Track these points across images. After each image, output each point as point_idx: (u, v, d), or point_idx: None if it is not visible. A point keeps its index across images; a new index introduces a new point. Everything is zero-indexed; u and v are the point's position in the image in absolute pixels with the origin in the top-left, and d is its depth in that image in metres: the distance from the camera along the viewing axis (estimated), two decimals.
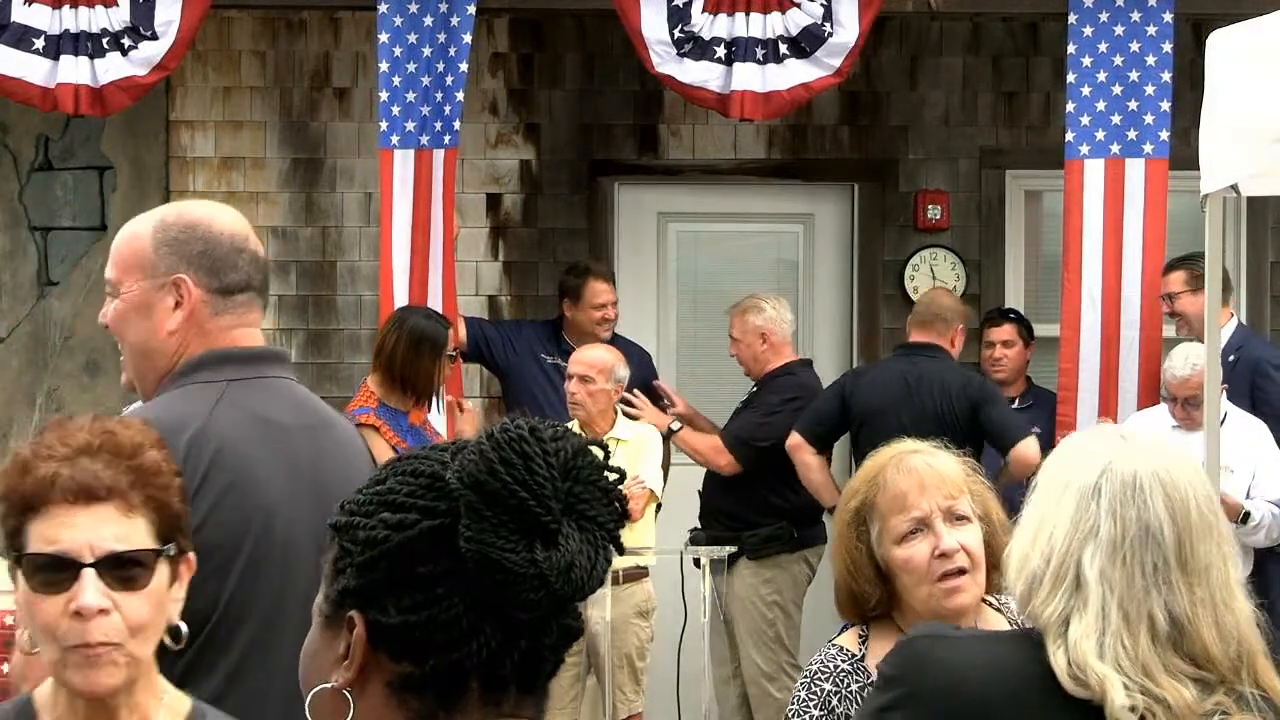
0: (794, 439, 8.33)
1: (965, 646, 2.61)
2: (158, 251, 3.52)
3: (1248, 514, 7.88)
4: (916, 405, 8.03)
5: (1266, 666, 2.53)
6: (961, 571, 3.54)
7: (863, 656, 3.63)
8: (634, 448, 8.17)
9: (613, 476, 1.90)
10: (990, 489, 3.68)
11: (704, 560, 7.82)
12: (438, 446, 1.93)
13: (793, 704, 3.63)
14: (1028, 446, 7.94)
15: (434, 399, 7.75)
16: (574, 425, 8.07)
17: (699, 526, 8.60)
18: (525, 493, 1.83)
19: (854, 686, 3.60)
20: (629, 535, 8.09)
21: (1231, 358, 8.52)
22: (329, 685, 1.89)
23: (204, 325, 3.52)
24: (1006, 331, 9.03)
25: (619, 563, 8.71)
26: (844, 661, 3.62)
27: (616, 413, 8.25)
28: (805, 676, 3.64)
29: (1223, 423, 7.69)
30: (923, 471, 3.57)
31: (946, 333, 8.36)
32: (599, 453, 1.90)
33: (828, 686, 3.60)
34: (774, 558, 8.58)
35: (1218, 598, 2.50)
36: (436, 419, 7.94)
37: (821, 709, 3.58)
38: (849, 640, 3.67)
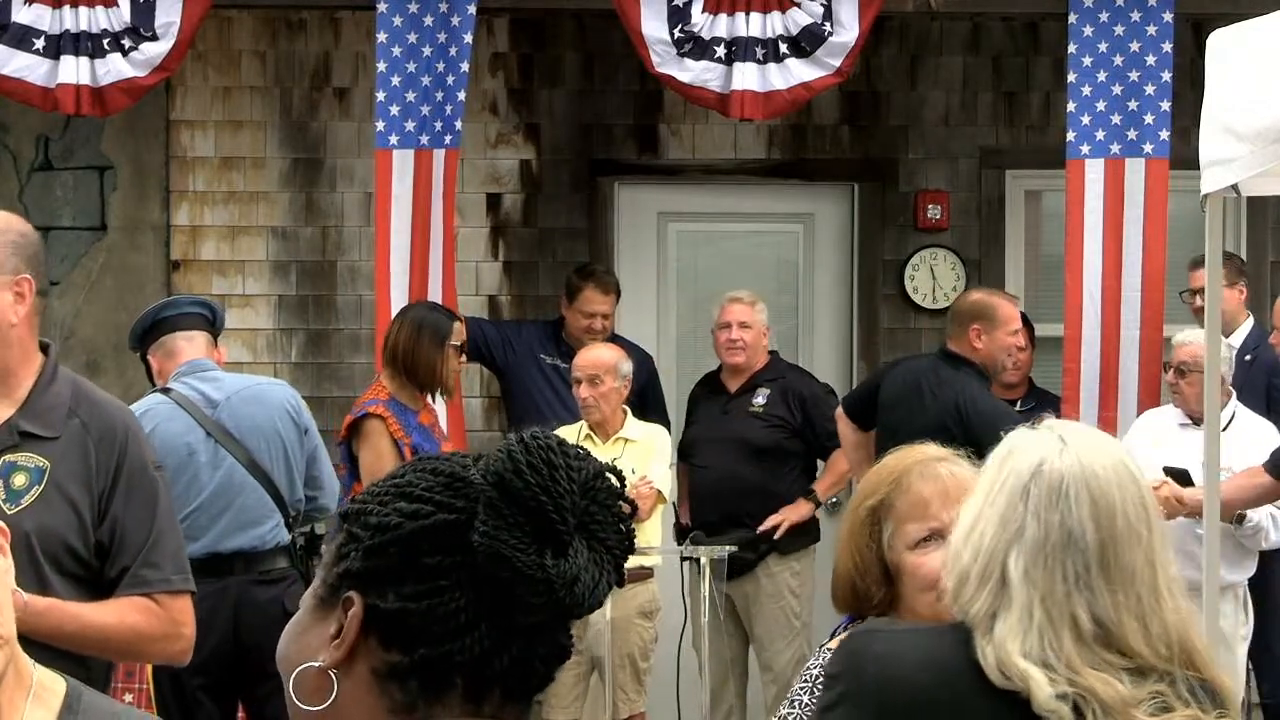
0: (838, 410, 8.33)
1: (899, 640, 2.64)
2: None
3: (1243, 515, 7.81)
4: (919, 410, 7.96)
5: (1206, 661, 2.55)
6: None
7: None
8: (643, 448, 8.15)
9: (626, 508, 1.94)
10: None
11: (704, 560, 7.81)
12: (460, 453, 1.97)
13: (793, 708, 3.58)
14: None
15: (439, 391, 7.72)
16: (583, 427, 8.07)
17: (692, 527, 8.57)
18: (546, 498, 1.86)
19: None
20: (636, 535, 8.09)
21: (1248, 357, 8.53)
22: (315, 664, 1.90)
23: None
24: (1022, 337, 8.90)
25: None
26: None
27: (626, 412, 8.24)
28: (804, 681, 3.60)
29: (1231, 423, 7.71)
30: (947, 481, 3.51)
31: (963, 337, 8.01)
32: (615, 481, 1.94)
33: None
34: (805, 549, 8.62)
35: (1145, 602, 2.52)
36: (438, 409, 7.93)
37: None
38: None
